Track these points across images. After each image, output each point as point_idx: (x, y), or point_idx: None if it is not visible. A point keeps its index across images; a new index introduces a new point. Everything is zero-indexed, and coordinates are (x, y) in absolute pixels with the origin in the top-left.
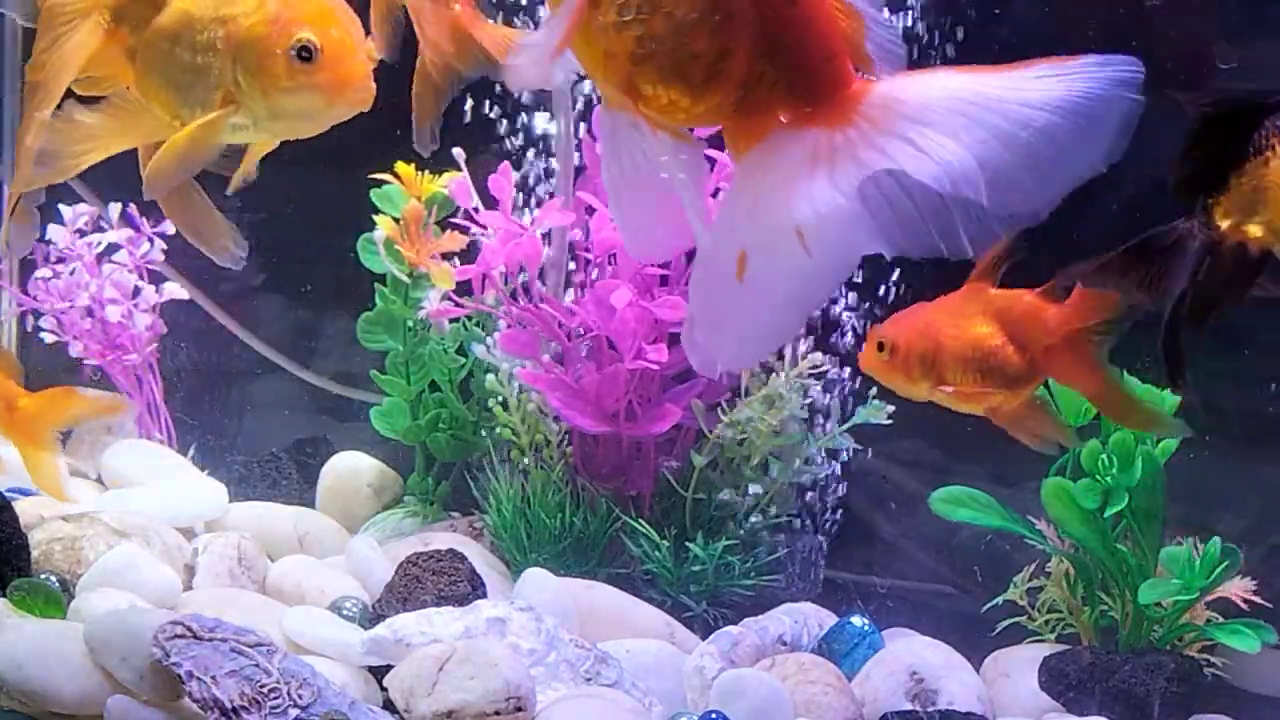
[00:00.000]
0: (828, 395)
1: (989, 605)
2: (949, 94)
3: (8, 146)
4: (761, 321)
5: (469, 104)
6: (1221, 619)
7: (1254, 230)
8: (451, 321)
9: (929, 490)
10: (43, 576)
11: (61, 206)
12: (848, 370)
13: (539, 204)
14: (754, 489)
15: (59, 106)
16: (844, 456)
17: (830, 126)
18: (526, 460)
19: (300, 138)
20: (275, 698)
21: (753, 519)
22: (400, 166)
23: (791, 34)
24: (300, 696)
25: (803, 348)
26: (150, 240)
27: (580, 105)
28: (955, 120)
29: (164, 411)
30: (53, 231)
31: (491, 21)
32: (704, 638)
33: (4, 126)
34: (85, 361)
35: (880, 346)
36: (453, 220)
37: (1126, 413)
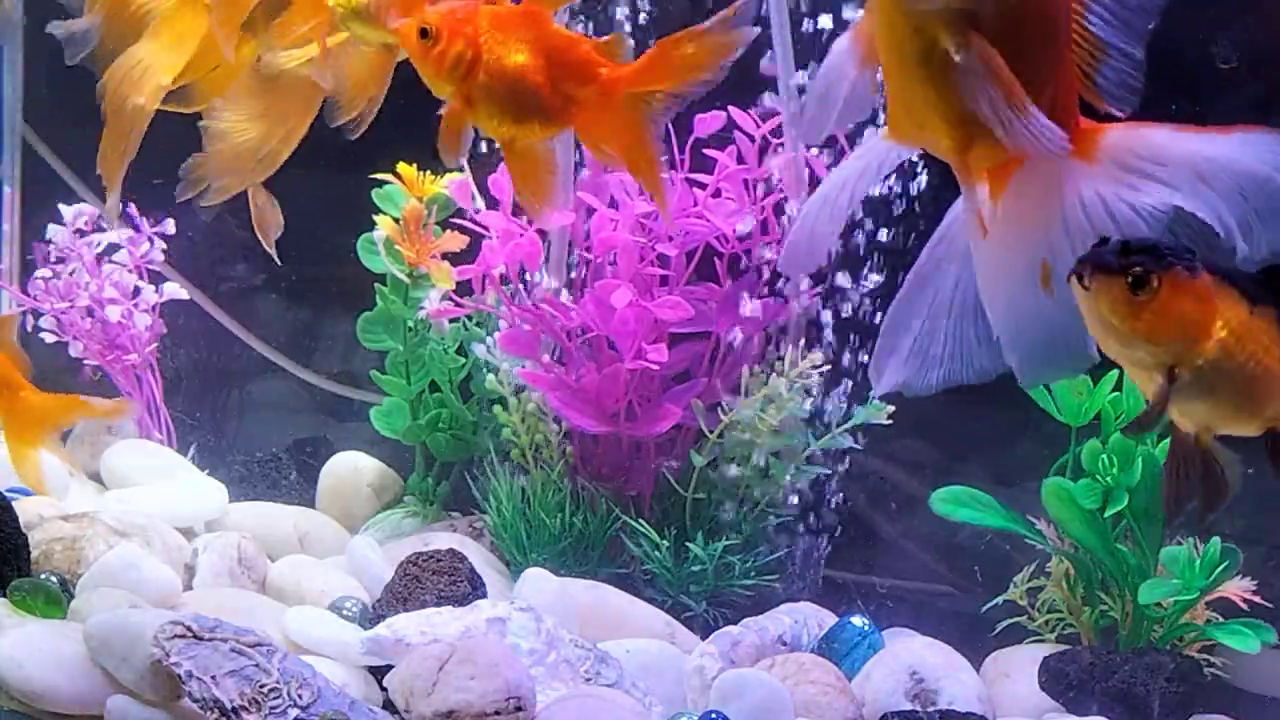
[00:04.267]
0: (826, 397)
1: (989, 605)
2: (1182, 149)
3: (7, 147)
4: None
5: None
6: (1221, 619)
7: None
8: (451, 321)
9: (929, 490)
10: (43, 576)
11: (62, 207)
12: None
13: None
14: (755, 489)
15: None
16: (845, 457)
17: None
18: (526, 460)
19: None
20: (275, 698)
21: (753, 519)
22: (401, 167)
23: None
24: (300, 696)
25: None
26: (150, 240)
27: None
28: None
29: (164, 411)
30: (53, 231)
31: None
32: (704, 638)
33: (4, 127)
34: (85, 361)
35: (424, 33)
36: (453, 220)
37: (653, 184)
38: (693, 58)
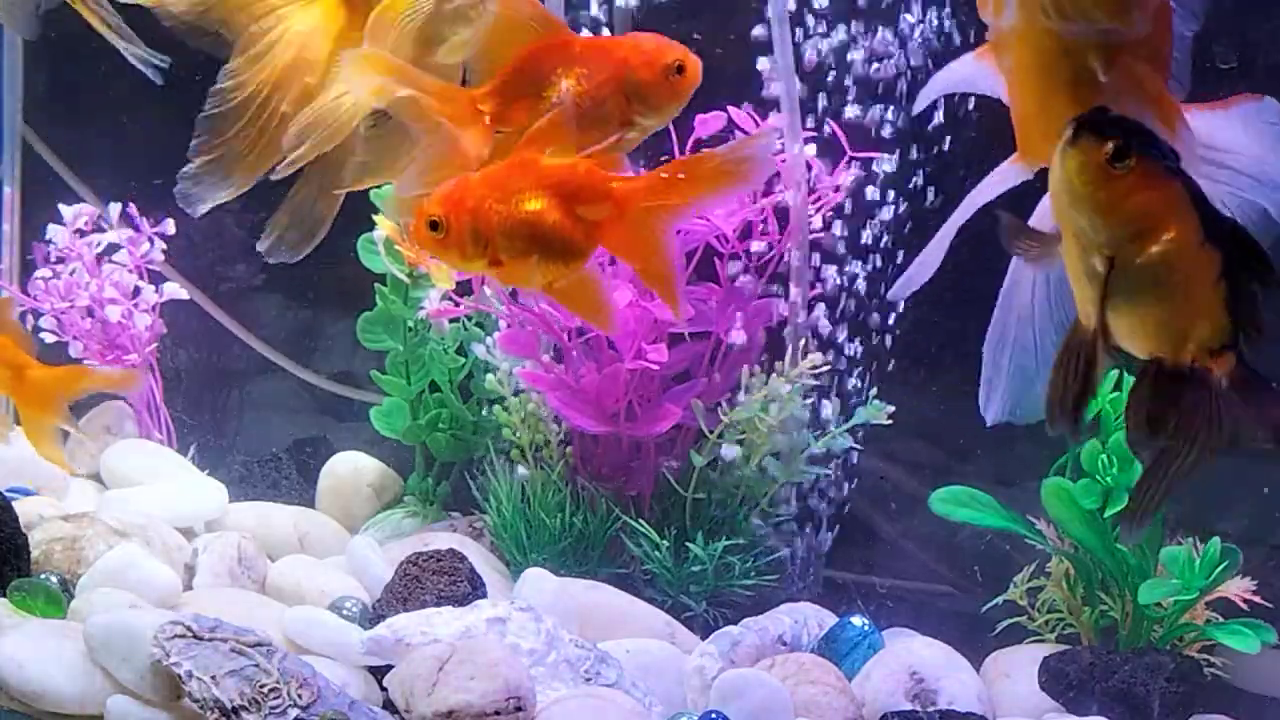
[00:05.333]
0: (826, 398)
1: (989, 605)
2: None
3: (7, 147)
4: None
5: None
6: (1221, 619)
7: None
8: (451, 321)
9: (929, 490)
10: (43, 576)
11: (62, 207)
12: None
13: None
14: (754, 489)
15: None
16: (850, 456)
17: None
18: (526, 460)
19: None
20: (275, 698)
21: (754, 519)
22: None
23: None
24: (300, 696)
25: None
26: (150, 240)
27: None
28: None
29: (164, 411)
30: (53, 231)
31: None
32: (704, 638)
33: (4, 127)
34: (85, 362)
35: (433, 225)
36: None
37: (669, 295)
38: (709, 177)
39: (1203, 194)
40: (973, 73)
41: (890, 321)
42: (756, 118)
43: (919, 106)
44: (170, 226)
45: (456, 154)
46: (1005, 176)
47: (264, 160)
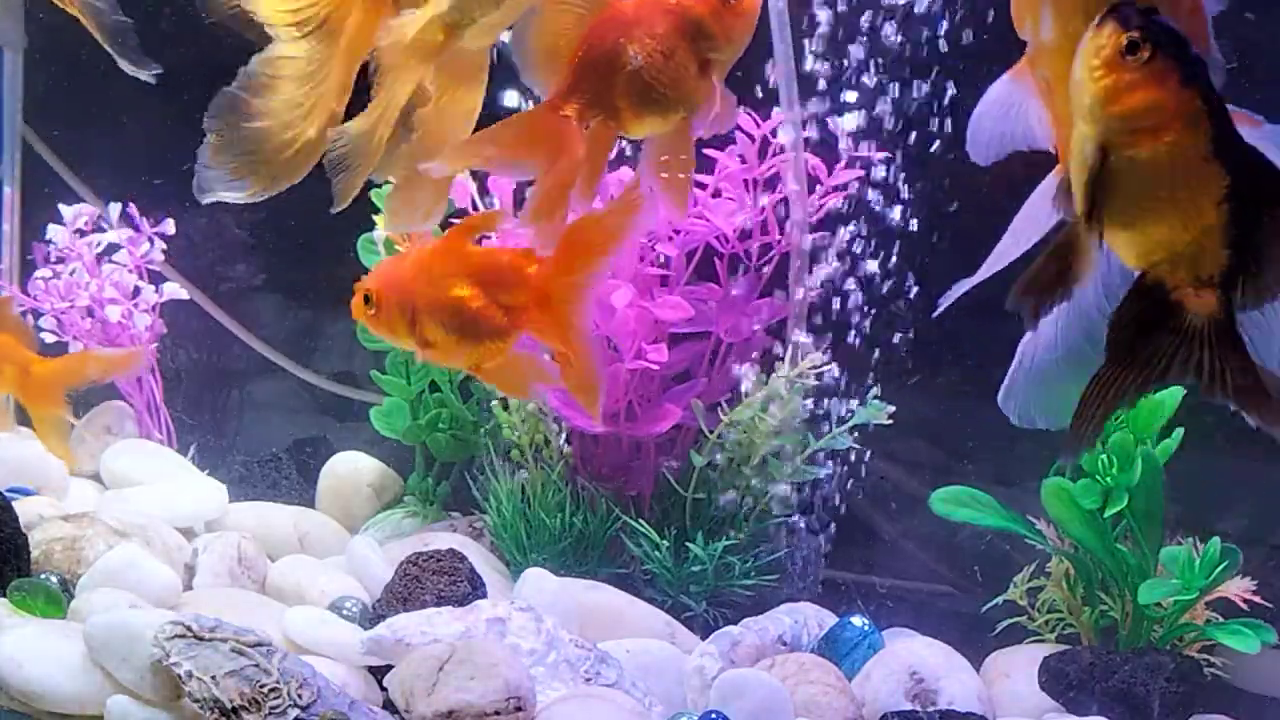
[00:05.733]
0: (826, 397)
1: (989, 605)
2: None
3: (7, 147)
4: None
5: None
6: (1221, 619)
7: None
8: None
9: (929, 490)
10: (43, 576)
11: (62, 207)
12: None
13: None
14: (754, 488)
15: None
16: (849, 456)
17: None
18: (526, 460)
19: None
20: (275, 698)
21: (753, 519)
22: None
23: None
24: (300, 696)
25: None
26: (150, 240)
27: None
28: None
29: (164, 411)
30: (53, 231)
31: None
32: (704, 638)
33: (4, 127)
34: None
35: (366, 300)
36: (453, 220)
37: (584, 385)
38: (600, 240)
39: (1225, 113)
40: (1010, 93)
41: (890, 322)
42: (757, 118)
43: (976, 154)
44: (170, 226)
45: (562, 172)
46: (1051, 189)
47: (289, 170)
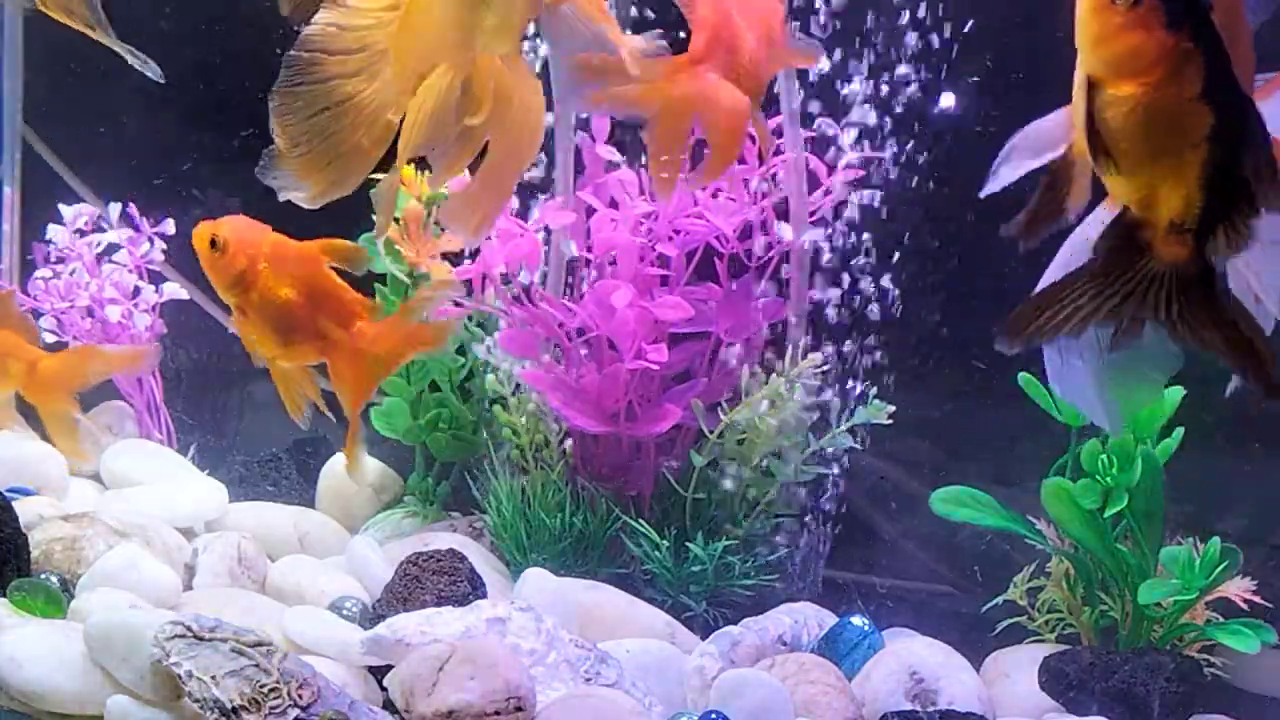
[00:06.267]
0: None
1: (989, 605)
2: None
3: (7, 147)
4: None
5: None
6: (1221, 619)
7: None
8: None
9: (929, 490)
10: (43, 576)
11: (62, 206)
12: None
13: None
14: (753, 489)
15: None
16: (844, 458)
17: None
18: (526, 460)
19: None
20: (275, 698)
21: (753, 519)
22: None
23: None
24: (300, 696)
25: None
26: (150, 240)
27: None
28: None
29: (164, 411)
30: (53, 231)
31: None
32: (704, 638)
33: (4, 127)
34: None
35: (214, 242)
36: None
37: (351, 442)
38: (405, 343)
39: (1222, 56)
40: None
41: (891, 322)
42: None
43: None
44: (170, 226)
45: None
46: (1098, 218)
47: (350, 171)
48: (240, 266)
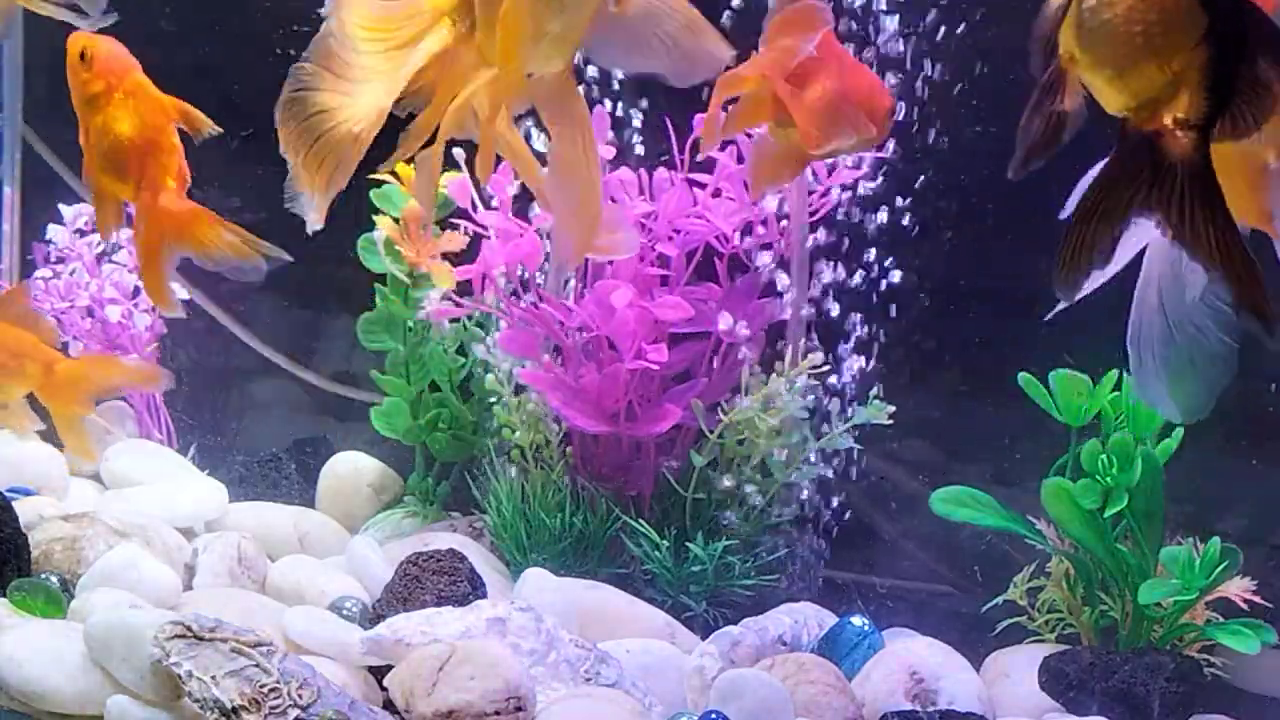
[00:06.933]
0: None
1: (989, 605)
2: None
3: (7, 147)
4: None
5: None
6: (1221, 619)
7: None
8: (452, 321)
9: (929, 490)
10: (43, 576)
11: (62, 207)
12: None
13: None
14: (752, 489)
15: None
16: (850, 455)
17: None
18: (526, 460)
19: None
20: (275, 698)
21: (753, 519)
22: (400, 167)
23: None
24: (300, 696)
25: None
26: None
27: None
28: None
29: (164, 411)
30: (53, 231)
31: None
32: (704, 638)
33: (4, 127)
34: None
35: (82, 55)
36: (452, 220)
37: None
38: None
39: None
40: None
41: (890, 321)
42: None
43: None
44: None
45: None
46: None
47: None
48: (97, 88)
